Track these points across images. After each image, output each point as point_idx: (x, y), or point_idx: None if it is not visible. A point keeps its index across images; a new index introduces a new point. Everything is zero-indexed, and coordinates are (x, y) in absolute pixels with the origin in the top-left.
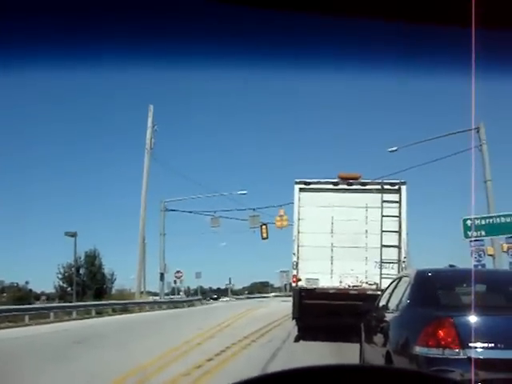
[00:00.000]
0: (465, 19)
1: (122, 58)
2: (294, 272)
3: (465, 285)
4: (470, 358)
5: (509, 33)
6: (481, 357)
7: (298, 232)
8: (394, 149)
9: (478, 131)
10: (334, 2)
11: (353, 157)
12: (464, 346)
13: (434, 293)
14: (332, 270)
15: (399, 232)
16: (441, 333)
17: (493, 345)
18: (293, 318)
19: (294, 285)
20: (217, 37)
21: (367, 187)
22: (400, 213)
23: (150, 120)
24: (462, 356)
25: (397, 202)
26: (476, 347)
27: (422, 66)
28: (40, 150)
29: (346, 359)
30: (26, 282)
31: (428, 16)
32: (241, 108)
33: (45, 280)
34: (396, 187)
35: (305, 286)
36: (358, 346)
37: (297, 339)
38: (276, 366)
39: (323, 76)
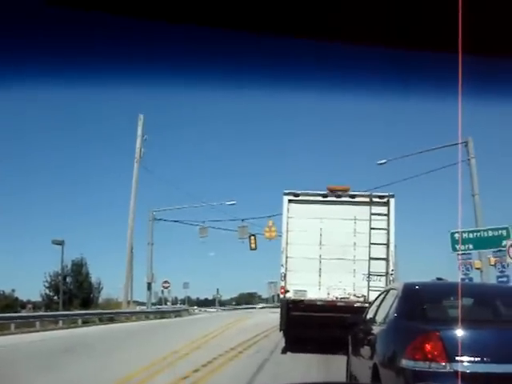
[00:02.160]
0: (453, 45)
1: (113, 67)
2: (282, 283)
3: (452, 298)
4: (456, 372)
5: (493, 58)
6: (467, 371)
7: (287, 243)
8: (383, 161)
9: (466, 145)
10: (330, 29)
11: (342, 168)
12: (451, 359)
13: (421, 306)
14: (320, 282)
15: (387, 244)
16: (427, 346)
17: (479, 359)
18: (280, 330)
19: (281, 296)
20: (207, 52)
21: (356, 199)
22: (388, 225)
23: (139, 129)
24: (448, 370)
25: (385, 214)
26: (463, 361)
27: (413, 87)
28: (29, 158)
29: (332, 371)
30: (13, 290)
31: (418, 41)
32: (230, 118)
33: (31, 288)
34: (385, 200)
35: (292, 297)
36: (345, 358)
37: (284, 351)
38: (263, 378)
39: (314, 89)
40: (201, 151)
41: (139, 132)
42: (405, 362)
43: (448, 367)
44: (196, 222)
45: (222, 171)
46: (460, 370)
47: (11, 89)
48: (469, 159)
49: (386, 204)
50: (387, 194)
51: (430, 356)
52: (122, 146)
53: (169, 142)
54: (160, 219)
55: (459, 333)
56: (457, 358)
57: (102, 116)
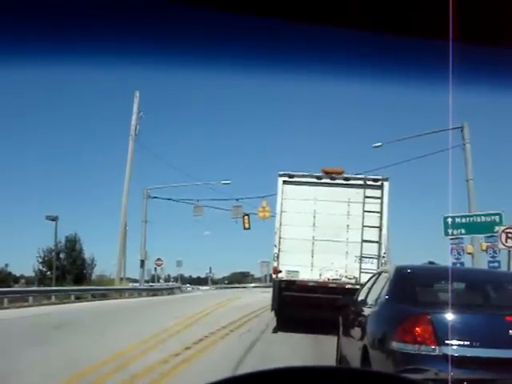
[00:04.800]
0: (445, 30)
1: (110, 46)
2: (275, 264)
3: (443, 282)
4: (445, 355)
5: (485, 45)
6: (456, 354)
7: (280, 224)
8: (379, 144)
9: (461, 130)
10: (323, 12)
11: (336, 150)
12: (440, 343)
13: (412, 289)
14: (312, 263)
15: (380, 227)
16: (417, 329)
17: (468, 343)
18: (272, 309)
19: (274, 276)
20: (203, 32)
21: (350, 182)
22: (382, 209)
23: (135, 106)
24: (437, 353)
25: (379, 197)
26: (452, 344)
27: (410, 72)
28: (23, 135)
29: (322, 351)
30: (6, 265)
31: (413, 25)
32: (226, 99)
33: (24, 263)
34: (379, 183)
35: (285, 277)
36: (335, 338)
37: (275, 330)
38: (254, 357)
39: (308, 72)
40: (197, 131)
41: (135, 109)
42: (394, 344)
43: (437, 350)
44: (190, 200)
45: (217, 151)
46: (449, 353)
47: (7, 67)
48: (464, 144)
49: (380, 187)
50: (381, 177)
51: (419, 339)
52: (118, 124)
53: (165, 122)
54: (154, 197)
55: (449, 316)
56: (446, 342)
57: (98, 94)
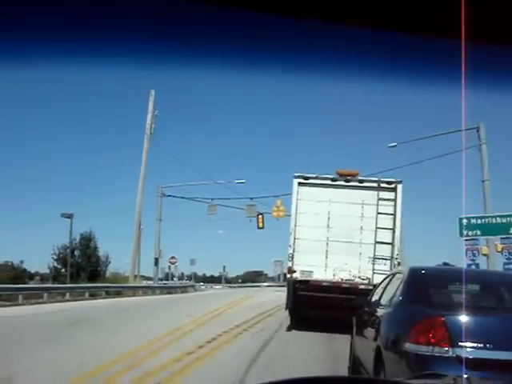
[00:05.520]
0: (456, 30)
1: (125, 46)
2: (290, 264)
3: (457, 284)
4: (459, 357)
5: (495, 44)
6: (470, 356)
7: (295, 225)
8: (394, 144)
9: (477, 131)
10: (337, 11)
11: (351, 151)
12: (453, 344)
13: (426, 291)
14: (326, 264)
15: (393, 229)
16: (431, 331)
17: (482, 345)
18: (286, 308)
19: (288, 276)
20: (219, 31)
21: (364, 184)
22: (395, 211)
23: (150, 105)
24: (451, 354)
25: (392, 199)
26: (466, 346)
27: (422, 72)
28: (41, 131)
29: (336, 352)
30: (21, 262)
31: (426, 25)
32: (242, 98)
33: (39, 260)
34: (392, 185)
35: (299, 277)
36: (348, 337)
37: (289, 329)
38: (267, 356)
39: (325, 72)
40: (212, 130)
41: (150, 108)
42: (408, 346)
43: (451, 352)
44: (205, 198)
45: (231, 150)
46: (463, 355)
47: (25, 66)
48: (480, 145)
49: (394, 190)
50: (395, 179)
51: (433, 340)
52: (134, 122)
53: (180, 121)
54: (169, 195)
55: (463, 318)
56: (460, 344)
57: (114, 93)
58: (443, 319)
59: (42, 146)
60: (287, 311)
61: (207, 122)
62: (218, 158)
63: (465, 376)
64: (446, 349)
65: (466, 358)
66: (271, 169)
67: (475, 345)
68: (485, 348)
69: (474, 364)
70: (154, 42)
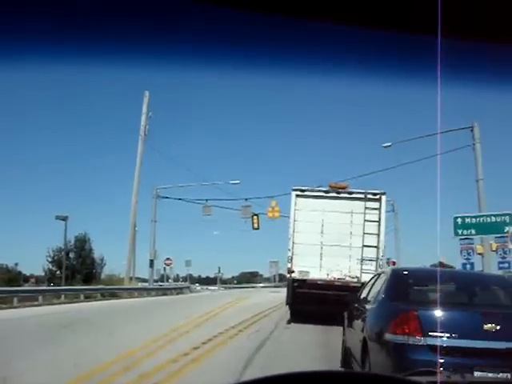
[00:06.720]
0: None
1: (120, 47)
2: (289, 265)
3: (434, 283)
4: (430, 345)
5: (471, 41)
6: (439, 344)
7: (294, 231)
8: (388, 144)
9: (471, 130)
10: (314, 9)
11: (346, 152)
12: (426, 334)
13: (405, 289)
14: (321, 265)
15: (378, 234)
16: (406, 323)
17: (450, 335)
18: (286, 304)
19: (288, 276)
20: (215, 33)
21: (353, 196)
22: (380, 218)
23: (144, 106)
24: (423, 343)
25: (377, 208)
26: (436, 336)
27: (415, 72)
28: (33, 134)
29: (330, 349)
30: (16, 264)
31: (420, 24)
32: (236, 100)
33: (34, 263)
34: (377, 196)
35: (297, 277)
36: (341, 337)
37: (284, 330)
38: (262, 357)
39: (317, 74)
40: (206, 132)
41: (144, 109)
42: (388, 336)
43: (423, 341)
44: (200, 200)
45: (226, 151)
46: (433, 343)
47: (18, 67)
48: (474, 144)
49: (379, 200)
50: (379, 191)
51: (408, 331)
52: (128, 124)
53: (175, 123)
54: (164, 197)
55: (434, 313)
56: (431, 334)
57: (109, 94)
58: (416, 313)
59: (36, 149)
60: (284, 311)
61: (202, 123)
62: (212, 160)
63: (440, 361)
64: (419, 338)
65: (436, 346)
66: (266, 170)
67: (444, 334)
68: (452, 337)
69: (443, 351)
70: (149, 43)
